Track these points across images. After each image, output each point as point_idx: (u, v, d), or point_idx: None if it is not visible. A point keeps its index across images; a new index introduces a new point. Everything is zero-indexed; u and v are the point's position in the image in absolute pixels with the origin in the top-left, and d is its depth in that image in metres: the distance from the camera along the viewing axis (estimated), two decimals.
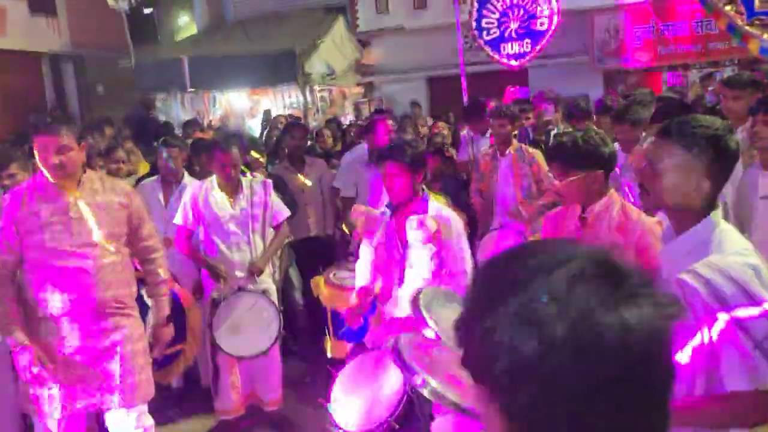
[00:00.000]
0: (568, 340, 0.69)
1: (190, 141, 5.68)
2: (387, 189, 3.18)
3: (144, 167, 5.59)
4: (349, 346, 4.09)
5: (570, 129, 5.65)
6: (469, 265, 3.17)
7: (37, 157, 2.94)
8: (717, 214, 1.80)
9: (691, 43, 10.79)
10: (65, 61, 13.85)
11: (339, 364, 3.14)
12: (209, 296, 4.05)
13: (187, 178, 4.62)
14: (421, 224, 3.08)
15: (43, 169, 2.94)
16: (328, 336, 4.50)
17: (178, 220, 4.06)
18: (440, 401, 2.02)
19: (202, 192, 4.03)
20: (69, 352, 2.96)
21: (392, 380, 2.78)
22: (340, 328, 4.11)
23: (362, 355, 3.03)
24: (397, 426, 2.79)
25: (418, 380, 2.05)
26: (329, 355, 4.52)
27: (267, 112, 9.38)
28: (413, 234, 3.10)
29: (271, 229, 4.19)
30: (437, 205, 3.23)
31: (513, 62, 7.23)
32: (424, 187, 3.26)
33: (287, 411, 4.29)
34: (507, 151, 4.98)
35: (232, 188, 4.02)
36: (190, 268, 4.28)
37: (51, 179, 2.94)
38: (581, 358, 0.69)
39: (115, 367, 3.02)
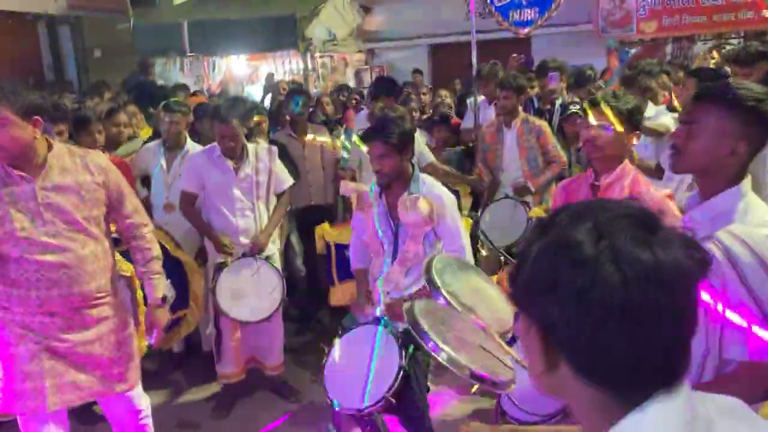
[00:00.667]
0: (605, 268, 0.81)
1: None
2: (374, 169, 3.11)
3: (146, 132, 5.53)
4: (351, 291, 4.05)
5: (576, 99, 5.61)
6: (465, 240, 3.13)
7: None
8: (747, 184, 1.79)
9: (697, 14, 10.64)
10: (62, 23, 13.64)
11: (341, 311, 3.13)
12: (213, 262, 4.05)
13: (189, 144, 4.58)
14: (415, 205, 3.03)
15: None
16: (331, 285, 4.51)
17: (183, 185, 4.05)
18: (456, 368, 2.02)
19: (207, 158, 4.01)
20: (54, 347, 2.66)
21: (387, 355, 2.78)
22: (342, 266, 4.10)
23: (356, 330, 3.01)
24: (394, 401, 2.82)
25: (432, 347, 2.04)
26: (332, 303, 4.53)
27: (270, 76, 9.28)
28: (406, 213, 3.05)
29: (274, 197, 4.17)
30: (429, 182, 3.17)
31: (521, 30, 7.13)
32: (413, 164, 3.19)
33: (287, 376, 4.32)
34: (513, 123, 4.93)
35: (237, 154, 3.99)
36: (194, 234, 4.27)
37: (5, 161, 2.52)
38: (615, 283, 0.81)
39: (102, 359, 2.76)
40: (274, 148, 4.19)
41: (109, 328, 2.79)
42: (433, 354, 2.04)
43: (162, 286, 2.99)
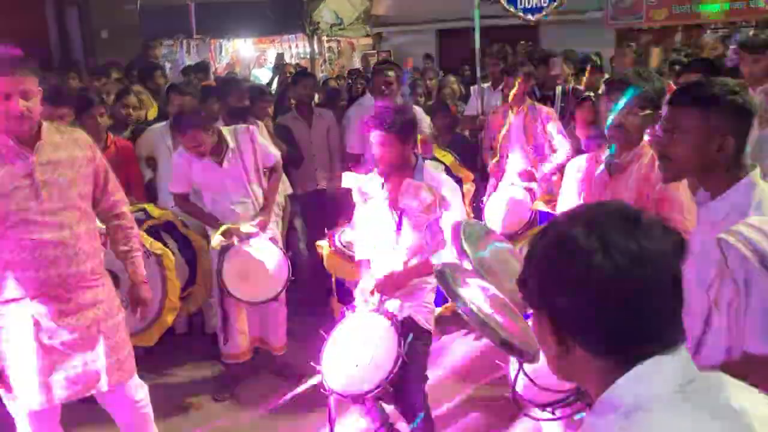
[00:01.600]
0: (597, 257, 0.97)
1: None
2: (376, 158, 3.07)
3: (152, 112, 5.54)
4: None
5: (579, 87, 5.59)
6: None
7: None
8: (756, 174, 1.80)
9: (708, 2, 10.54)
10: (70, 4, 13.60)
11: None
12: (217, 244, 4.06)
13: None
14: (418, 194, 3.01)
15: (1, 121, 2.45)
16: (333, 296, 4.52)
17: (171, 187, 4.02)
18: (482, 330, 2.03)
19: (191, 158, 3.90)
20: (46, 338, 2.58)
21: (386, 343, 2.79)
22: (343, 296, 4.11)
23: (353, 318, 3.03)
24: (392, 388, 2.83)
25: (462, 307, 2.06)
26: (335, 315, 4.55)
27: (280, 56, 9.23)
28: (409, 203, 3.03)
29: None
30: (432, 172, 3.15)
31: (529, 16, 7.07)
32: (416, 154, 3.16)
33: (290, 358, 4.35)
34: (519, 110, 4.91)
35: (217, 149, 3.89)
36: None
37: (15, 133, 2.47)
38: (608, 269, 0.96)
39: (99, 347, 2.68)
40: (252, 127, 4.10)
41: (105, 312, 2.72)
42: (464, 316, 2.05)
43: (142, 266, 2.95)
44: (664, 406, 0.96)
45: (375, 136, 3.02)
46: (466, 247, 2.36)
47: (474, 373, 4.13)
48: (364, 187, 3.23)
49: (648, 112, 2.60)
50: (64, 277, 2.57)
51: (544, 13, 7.12)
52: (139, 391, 2.92)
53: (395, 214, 3.11)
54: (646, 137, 2.73)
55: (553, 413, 2.20)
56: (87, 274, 2.64)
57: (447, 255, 2.91)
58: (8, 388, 2.62)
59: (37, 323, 2.57)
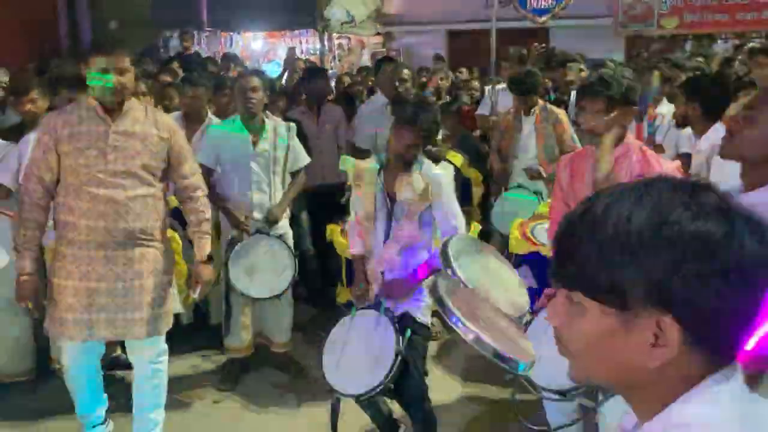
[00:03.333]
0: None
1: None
2: (392, 150, 3.09)
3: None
4: None
5: None
6: (460, 222, 3.13)
7: (92, 76, 2.88)
8: None
9: (719, 12, 10.53)
10: None
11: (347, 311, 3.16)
12: (228, 236, 4.08)
13: (211, 117, 4.60)
14: (410, 183, 3.04)
15: (96, 90, 2.90)
16: (339, 282, 4.54)
17: (202, 158, 4.06)
18: (480, 347, 2.05)
19: (225, 130, 4.03)
20: (93, 280, 2.96)
21: (385, 341, 2.81)
22: (351, 276, 4.12)
23: (351, 317, 3.04)
24: (392, 386, 2.85)
25: (456, 323, 2.07)
26: (339, 301, 4.57)
27: (291, 50, 9.21)
28: (402, 191, 3.06)
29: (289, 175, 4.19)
30: (427, 162, 3.18)
31: (538, 18, 7.09)
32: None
33: (294, 353, 4.36)
34: (532, 110, 4.92)
35: (256, 128, 4.00)
36: (211, 207, 4.29)
37: (104, 101, 2.92)
38: (674, 249, 0.82)
39: (138, 298, 3.02)
40: (293, 125, 4.20)
41: (149, 270, 3.05)
42: (457, 330, 2.06)
43: (209, 247, 3.27)
44: None
45: (406, 134, 3.02)
46: (455, 264, 2.37)
47: (478, 373, 4.14)
48: (361, 172, 3.25)
49: (614, 114, 2.62)
50: (111, 230, 2.94)
51: (551, 14, 7.15)
52: (164, 346, 3.25)
53: (388, 202, 3.14)
54: (631, 135, 2.77)
55: (572, 400, 2.20)
56: (136, 232, 2.99)
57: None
58: (53, 321, 3.02)
59: (88, 265, 2.95)
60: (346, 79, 7.49)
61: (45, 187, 2.97)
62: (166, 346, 3.28)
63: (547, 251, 3.60)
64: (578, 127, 5.34)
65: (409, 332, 2.85)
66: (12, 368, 3.84)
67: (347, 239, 4.26)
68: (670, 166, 2.64)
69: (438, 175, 3.12)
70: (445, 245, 2.44)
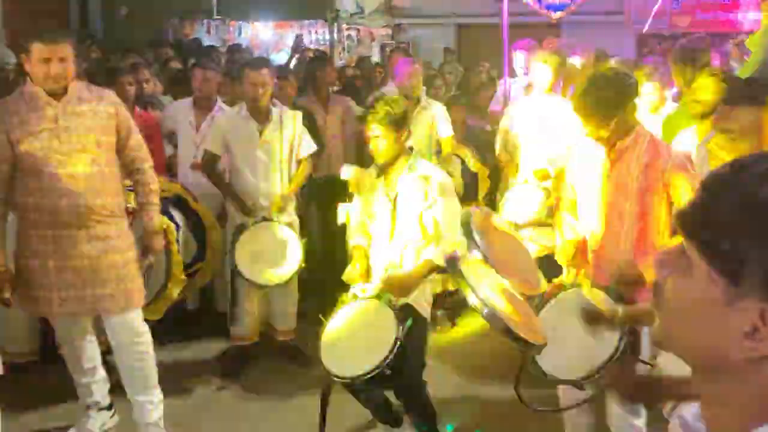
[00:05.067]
0: None
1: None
2: (372, 150, 3.15)
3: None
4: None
5: None
6: (453, 231, 3.05)
7: (32, 64, 2.95)
8: None
9: (731, 11, 10.47)
10: None
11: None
12: (234, 223, 4.07)
13: (220, 104, 4.59)
14: (411, 184, 3.06)
15: (39, 79, 2.96)
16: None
17: (207, 145, 4.07)
18: (495, 325, 2.05)
19: (233, 118, 4.02)
20: (59, 258, 3.03)
21: (384, 328, 2.81)
22: None
23: (352, 305, 3.06)
24: (389, 372, 2.84)
25: (476, 299, 2.08)
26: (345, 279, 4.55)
27: (299, 37, 9.16)
28: (404, 193, 3.09)
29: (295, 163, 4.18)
30: (426, 165, 3.21)
31: (552, 14, 7.03)
32: (411, 146, 3.24)
33: (298, 341, 4.36)
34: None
35: (263, 116, 3.99)
36: (216, 196, 4.31)
37: (47, 89, 2.98)
38: None
39: (104, 275, 3.08)
40: (299, 113, 4.19)
41: (113, 247, 3.10)
42: (473, 304, 2.07)
43: (158, 218, 3.32)
44: None
45: (368, 128, 3.11)
46: (476, 237, 2.37)
47: (483, 369, 4.13)
48: (361, 180, 3.28)
49: (614, 124, 2.61)
50: (74, 207, 2.99)
51: (567, 10, 7.09)
52: (142, 326, 3.24)
53: (391, 204, 3.15)
54: (640, 124, 2.76)
55: (581, 389, 2.20)
56: (96, 208, 3.03)
57: (442, 250, 2.97)
58: (25, 299, 3.12)
59: (54, 244, 3.01)
60: (349, 71, 7.45)
61: (2, 178, 3.02)
62: (146, 328, 3.28)
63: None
64: None
65: (410, 321, 2.84)
66: (17, 348, 3.86)
67: None
68: (679, 155, 2.63)
69: (438, 177, 3.13)
70: (466, 220, 2.45)
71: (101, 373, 3.41)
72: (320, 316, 3.76)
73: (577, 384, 2.26)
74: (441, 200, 3.06)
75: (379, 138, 3.08)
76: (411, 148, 3.22)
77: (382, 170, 3.19)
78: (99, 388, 3.39)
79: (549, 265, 3.39)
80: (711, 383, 0.81)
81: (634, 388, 1.71)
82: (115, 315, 3.16)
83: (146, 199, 3.28)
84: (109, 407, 3.45)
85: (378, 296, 3.01)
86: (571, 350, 2.37)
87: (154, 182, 3.31)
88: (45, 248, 3.03)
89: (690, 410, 0.94)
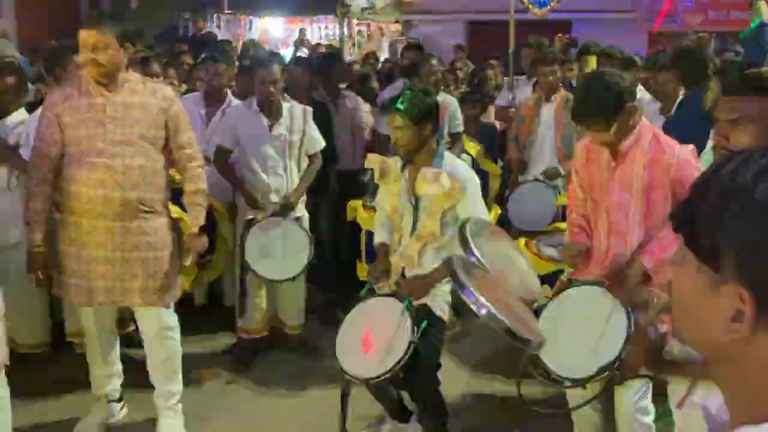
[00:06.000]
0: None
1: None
2: (393, 141, 3.10)
3: None
4: None
5: None
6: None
7: (81, 52, 2.98)
8: None
9: (745, 10, 10.39)
10: None
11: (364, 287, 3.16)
12: (244, 218, 4.09)
13: (231, 98, 4.59)
14: (436, 180, 2.98)
15: (83, 64, 3.00)
16: (359, 259, 4.54)
17: (218, 140, 4.08)
18: (492, 322, 2.05)
19: (243, 112, 4.04)
20: (93, 247, 3.04)
21: (400, 329, 2.80)
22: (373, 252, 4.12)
23: (369, 301, 3.03)
24: (402, 374, 2.84)
25: (470, 298, 2.08)
26: (360, 277, 4.56)
27: (302, 32, 9.15)
28: (426, 189, 3.01)
29: (306, 159, 4.18)
30: (453, 160, 3.14)
31: (536, 10, 7.01)
32: (438, 139, 3.15)
33: (307, 336, 4.38)
34: (552, 97, 4.88)
35: (273, 112, 4.00)
36: (226, 190, 4.32)
37: (91, 75, 2.99)
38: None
39: (136, 269, 3.08)
40: (309, 108, 4.19)
41: (147, 243, 3.09)
42: (470, 305, 2.07)
43: (202, 217, 3.28)
44: None
45: (389, 119, 3.07)
46: (472, 243, 2.37)
47: (485, 365, 4.14)
48: (386, 168, 3.22)
49: (616, 125, 2.60)
50: (110, 198, 2.99)
51: (549, 7, 7.08)
52: (171, 320, 3.29)
53: (413, 199, 3.11)
54: (644, 119, 2.75)
55: (583, 387, 2.20)
56: (134, 202, 3.02)
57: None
58: (58, 285, 3.15)
59: (89, 234, 3.02)
60: (356, 66, 7.45)
61: (51, 161, 3.04)
62: (176, 322, 3.32)
63: (561, 265, 3.55)
64: None
65: (425, 324, 2.84)
66: (28, 339, 3.87)
67: (369, 213, 4.28)
68: (684, 151, 2.61)
69: (465, 174, 3.07)
70: (462, 227, 2.44)
71: (118, 366, 3.44)
72: (336, 312, 3.76)
73: (581, 384, 2.26)
74: (465, 198, 3.01)
75: (400, 129, 3.01)
76: (439, 142, 3.14)
77: (406, 163, 3.14)
78: (113, 381, 3.42)
79: None
80: (718, 370, 0.86)
81: (650, 356, 1.73)
82: (144, 308, 3.19)
83: (191, 199, 3.27)
84: (119, 400, 3.47)
85: (395, 294, 2.99)
86: (576, 348, 2.36)
87: (202, 183, 3.29)
88: (80, 237, 3.04)
89: (713, 401, 0.96)
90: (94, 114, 3.00)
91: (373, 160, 3.30)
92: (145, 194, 3.05)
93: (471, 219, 2.67)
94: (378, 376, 2.77)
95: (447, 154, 3.14)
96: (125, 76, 3.07)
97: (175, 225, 3.69)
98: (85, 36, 2.93)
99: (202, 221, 3.29)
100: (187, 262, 3.36)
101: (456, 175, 3.01)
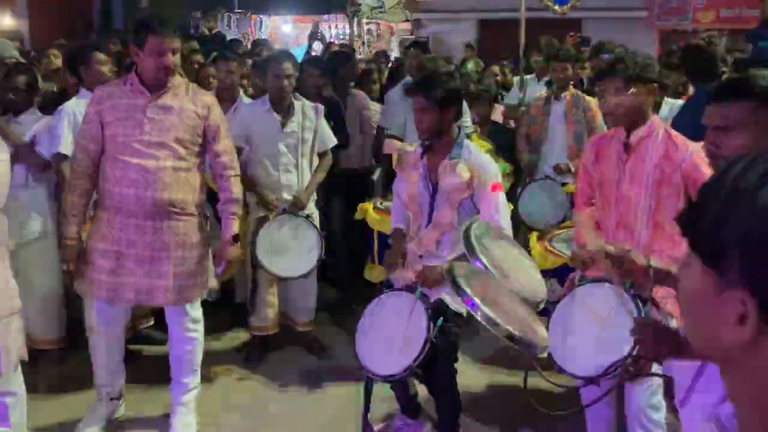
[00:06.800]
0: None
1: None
2: (415, 124, 3.07)
3: None
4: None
5: None
6: (504, 215, 3.06)
7: (145, 55, 3.02)
8: None
9: (757, 7, 10.32)
10: None
11: (371, 293, 3.16)
12: (255, 216, 4.11)
13: (242, 96, 4.62)
14: (454, 170, 2.97)
15: (150, 70, 3.04)
16: (370, 260, 4.55)
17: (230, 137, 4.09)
18: (492, 327, 2.05)
19: (255, 110, 4.05)
20: (123, 245, 3.10)
21: (417, 326, 2.80)
22: (383, 252, 4.13)
23: (387, 296, 3.03)
24: (420, 371, 2.84)
25: (470, 304, 2.08)
26: (366, 278, 4.57)
27: (315, 25, 9.16)
28: (445, 178, 2.99)
29: (317, 157, 4.20)
30: (473, 149, 3.10)
31: (556, 7, 7.02)
32: (459, 127, 3.13)
33: (318, 333, 4.40)
34: (563, 95, 4.87)
35: (285, 109, 4.02)
36: None
37: (157, 79, 3.06)
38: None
39: (165, 268, 3.13)
40: (321, 106, 4.20)
41: (177, 243, 3.15)
42: (470, 311, 2.07)
43: (236, 226, 3.34)
44: None
45: (414, 101, 3.03)
46: (476, 248, 2.37)
47: (499, 363, 4.14)
48: (405, 156, 3.21)
49: (635, 89, 2.64)
50: (141, 198, 3.05)
51: (570, 4, 7.08)
52: (197, 315, 3.36)
53: (430, 187, 3.09)
54: (655, 116, 2.77)
55: (597, 385, 2.20)
56: (165, 203, 3.08)
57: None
58: (83, 279, 3.18)
59: (120, 231, 3.09)
60: (362, 64, 7.45)
61: (90, 157, 3.12)
62: (200, 316, 3.39)
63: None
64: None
65: (441, 320, 2.84)
66: (44, 333, 3.90)
67: (380, 215, 4.29)
68: (696, 148, 2.61)
69: (484, 163, 3.04)
70: (466, 231, 2.43)
71: (122, 365, 3.47)
72: (347, 309, 3.74)
73: (593, 381, 2.26)
74: (484, 189, 2.98)
75: (423, 112, 2.98)
76: (460, 130, 3.11)
77: (426, 150, 3.11)
78: (117, 379, 3.44)
79: None
80: (725, 375, 0.85)
81: (659, 339, 1.72)
82: (164, 305, 3.25)
83: (226, 207, 3.32)
84: (119, 397, 3.49)
85: (411, 288, 2.99)
86: (588, 346, 2.36)
87: (236, 192, 3.34)
88: (112, 234, 3.10)
89: (725, 410, 0.95)
90: (133, 114, 3.06)
91: (392, 146, 3.28)
92: (176, 196, 3.10)
93: (475, 222, 2.66)
94: (396, 374, 2.77)
95: (467, 142, 3.11)
96: (172, 80, 3.15)
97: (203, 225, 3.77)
98: (167, 41, 3.01)
99: (236, 230, 3.34)
100: (220, 270, 3.45)
101: (475, 164, 2.98)
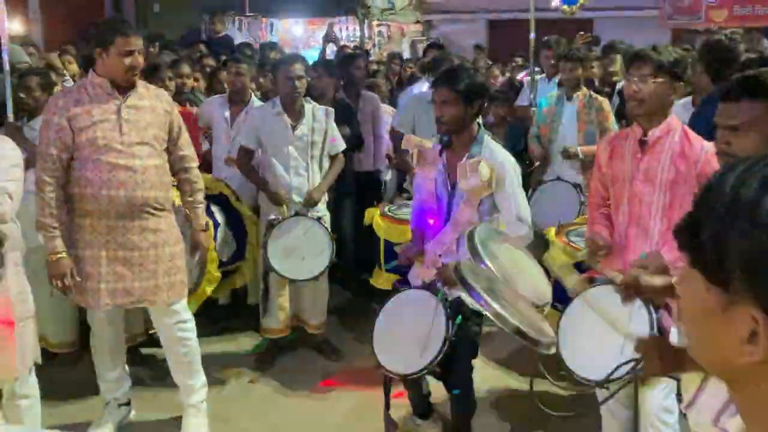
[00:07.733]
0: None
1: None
2: (436, 118, 3.02)
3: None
4: (394, 280, 4.12)
5: None
6: (525, 212, 3.04)
7: (110, 57, 3.03)
8: None
9: None
10: None
11: (381, 294, 3.15)
12: (265, 218, 4.12)
13: (254, 99, 4.63)
14: (474, 170, 2.93)
15: (118, 71, 3.04)
16: (377, 266, 4.55)
17: (241, 140, 4.12)
18: (502, 323, 2.05)
19: (266, 113, 4.07)
20: (111, 248, 3.10)
21: (436, 324, 2.78)
22: (390, 260, 4.13)
23: (405, 294, 3.02)
24: (439, 370, 2.83)
25: (479, 301, 2.08)
26: (372, 283, 4.57)
27: (330, 27, 9.17)
28: (464, 178, 2.96)
29: (327, 159, 4.20)
30: (493, 146, 3.05)
31: (565, 7, 6.99)
32: (479, 124, 3.10)
33: (329, 335, 4.40)
34: (574, 96, 4.84)
35: (296, 112, 4.03)
36: (249, 190, 4.36)
37: (124, 80, 3.07)
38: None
39: (153, 266, 3.16)
40: (331, 109, 4.20)
41: (163, 240, 3.19)
42: (479, 307, 2.07)
43: (204, 216, 3.44)
44: None
45: (438, 93, 2.99)
46: (481, 251, 2.36)
47: (510, 365, 4.12)
48: (424, 152, 3.17)
49: (661, 80, 2.59)
50: (130, 198, 3.06)
51: (579, 4, 7.05)
52: (185, 314, 3.35)
53: (449, 185, 3.07)
54: (672, 114, 2.73)
55: (606, 388, 2.19)
56: (150, 200, 3.11)
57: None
58: (78, 291, 3.14)
59: (108, 235, 3.09)
60: (372, 66, 7.45)
61: (63, 166, 3.06)
62: (189, 315, 3.38)
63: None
64: (623, 119, 5.26)
65: (460, 318, 2.83)
66: (59, 337, 3.93)
67: (387, 222, 4.29)
68: (711, 147, 2.59)
69: (504, 161, 3.01)
70: (471, 233, 2.42)
71: (126, 369, 3.48)
72: (358, 312, 3.73)
73: (602, 385, 2.24)
74: (504, 187, 2.96)
75: (446, 105, 2.94)
76: (480, 127, 3.08)
77: (445, 146, 3.08)
78: (121, 384, 3.45)
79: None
80: (735, 395, 0.81)
81: (664, 356, 1.70)
82: (159, 306, 3.24)
83: (193, 198, 3.38)
84: (128, 403, 3.51)
85: (430, 286, 2.97)
86: (598, 349, 2.34)
87: (200, 181, 3.43)
88: (98, 239, 3.09)
89: (734, 425, 0.93)
90: (108, 116, 3.06)
91: (411, 143, 3.26)
92: (159, 193, 3.16)
93: (480, 225, 2.65)
94: (414, 373, 2.77)
95: (487, 139, 3.07)
96: (136, 80, 3.18)
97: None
98: (134, 41, 3.04)
99: (204, 219, 3.45)
100: (195, 259, 3.51)
101: (496, 164, 2.96)
